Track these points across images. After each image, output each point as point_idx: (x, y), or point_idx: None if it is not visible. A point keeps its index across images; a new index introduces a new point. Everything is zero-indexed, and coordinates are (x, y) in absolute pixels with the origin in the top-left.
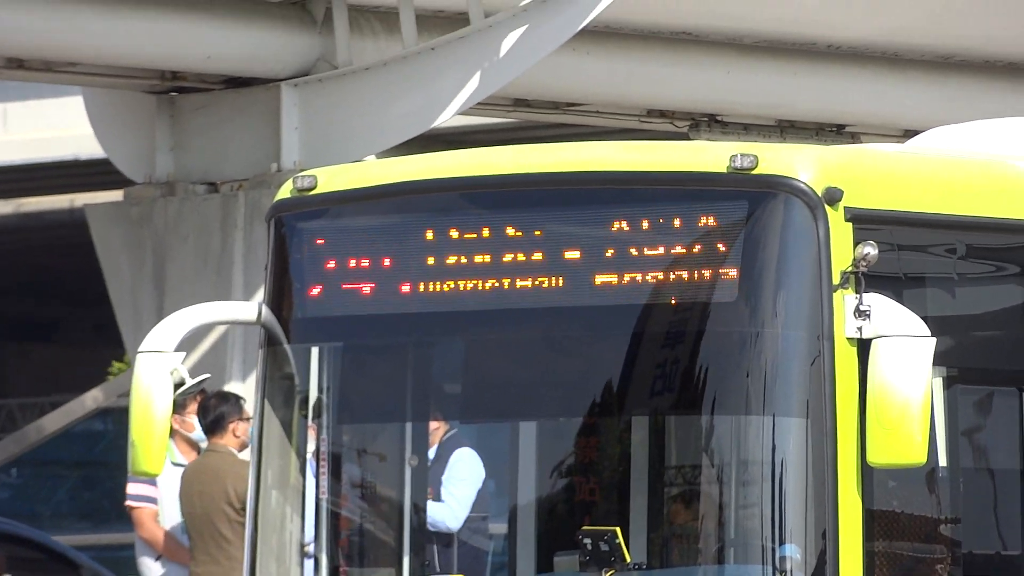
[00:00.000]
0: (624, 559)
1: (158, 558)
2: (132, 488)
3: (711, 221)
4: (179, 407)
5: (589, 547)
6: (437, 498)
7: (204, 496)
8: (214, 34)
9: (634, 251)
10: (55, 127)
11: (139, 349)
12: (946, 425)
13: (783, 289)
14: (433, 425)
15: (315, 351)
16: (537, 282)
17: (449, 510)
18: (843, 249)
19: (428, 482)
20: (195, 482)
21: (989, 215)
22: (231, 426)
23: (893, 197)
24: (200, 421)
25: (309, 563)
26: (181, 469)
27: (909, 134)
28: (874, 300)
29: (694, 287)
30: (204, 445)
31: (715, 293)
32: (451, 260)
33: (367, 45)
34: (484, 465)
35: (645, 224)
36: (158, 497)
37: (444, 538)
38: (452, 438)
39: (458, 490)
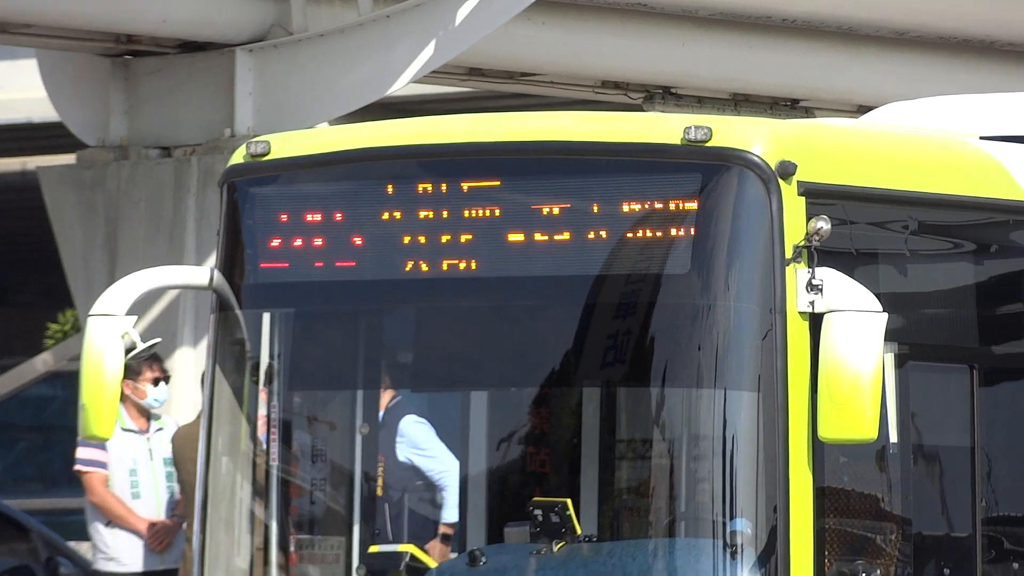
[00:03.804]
0: (575, 531)
1: (108, 523)
2: (82, 452)
3: (664, 193)
4: (133, 373)
5: (540, 518)
6: (397, 467)
7: (195, 463)
8: None
9: (587, 222)
10: (8, 90)
11: (90, 312)
12: (897, 402)
13: (735, 262)
14: (384, 393)
15: (266, 317)
16: (489, 251)
17: (447, 475)
18: (796, 223)
19: (377, 448)
20: (187, 448)
21: (942, 192)
22: None
23: (847, 172)
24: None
25: (259, 528)
26: (131, 435)
27: (863, 109)
28: (826, 275)
29: (646, 259)
30: (156, 411)
31: (667, 265)
32: (402, 228)
33: (322, 12)
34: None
35: (598, 195)
36: (108, 462)
37: (395, 507)
38: (398, 404)
39: (436, 461)
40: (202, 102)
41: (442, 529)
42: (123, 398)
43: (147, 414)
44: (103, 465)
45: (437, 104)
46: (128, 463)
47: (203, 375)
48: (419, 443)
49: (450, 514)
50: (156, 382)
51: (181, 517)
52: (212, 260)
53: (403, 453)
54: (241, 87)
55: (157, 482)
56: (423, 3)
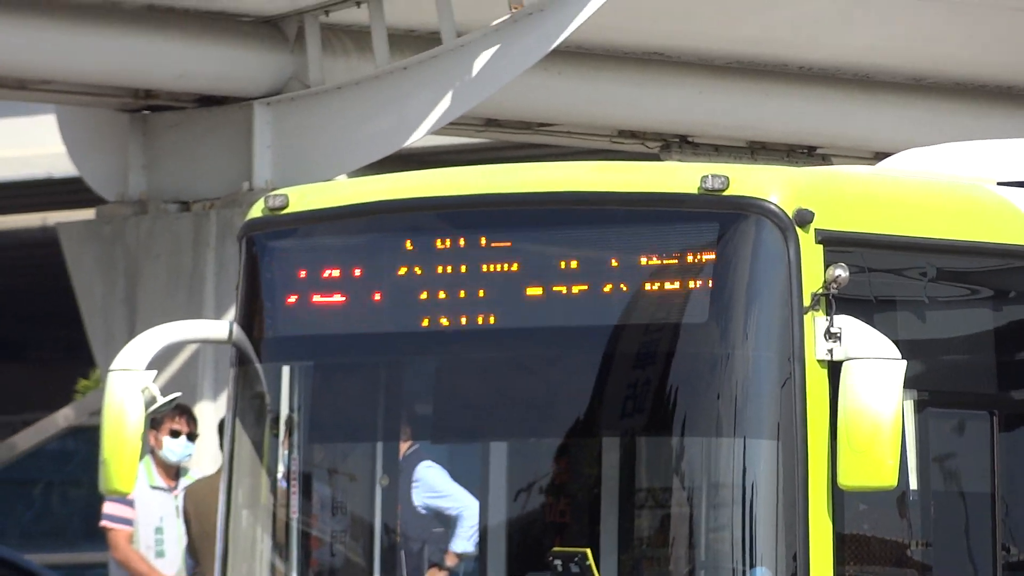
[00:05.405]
0: None
1: None
2: (108, 508)
3: (682, 242)
4: (155, 424)
5: (560, 569)
6: (415, 515)
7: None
8: (187, 52)
9: (605, 272)
10: (28, 145)
11: (110, 367)
12: (917, 449)
13: (754, 311)
14: (403, 444)
15: (286, 370)
16: (509, 303)
17: (463, 510)
18: (814, 271)
19: (397, 498)
20: (209, 500)
21: (959, 238)
22: None
23: (864, 219)
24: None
25: None
26: (158, 492)
27: (880, 156)
28: (845, 322)
29: (665, 308)
30: (185, 465)
31: (686, 314)
32: (420, 280)
33: (339, 64)
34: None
35: (615, 245)
36: (134, 519)
37: (415, 556)
38: (415, 453)
39: (451, 499)
40: (220, 156)
41: (447, 556)
42: (151, 454)
43: (176, 472)
44: (129, 522)
45: (454, 155)
46: (154, 520)
47: (219, 425)
48: (434, 486)
49: (459, 544)
50: (175, 434)
51: (191, 568)
52: (231, 314)
53: (419, 498)
54: (259, 140)
55: (182, 540)
56: (440, 55)
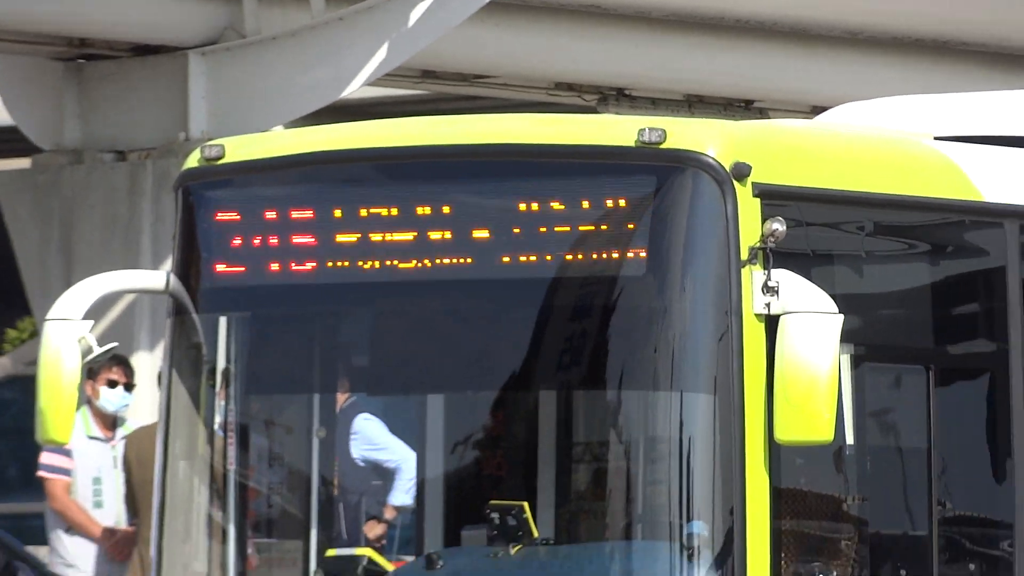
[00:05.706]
0: (531, 534)
1: (68, 530)
2: (45, 458)
3: (619, 195)
4: (92, 374)
5: (497, 522)
6: (353, 467)
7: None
8: (122, 1)
9: (541, 225)
10: None
11: (46, 317)
12: (853, 403)
13: (691, 264)
14: (340, 395)
15: (223, 321)
16: (445, 255)
17: (401, 463)
18: (751, 225)
19: (334, 450)
20: (148, 449)
21: (897, 192)
22: None
23: (802, 173)
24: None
25: (216, 532)
26: (96, 443)
27: (817, 110)
28: (782, 276)
29: (601, 262)
30: (122, 415)
31: (622, 268)
32: (358, 231)
33: (275, 14)
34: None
35: (553, 198)
36: (72, 468)
37: (352, 508)
38: (352, 405)
39: (389, 451)
40: (156, 106)
41: (385, 508)
42: (88, 404)
43: (113, 422)
44: (67, 472)
45: (391, 107)
46: (92, 471)
47: (159, 377)
48: (372, 439)
49: (397, 497)
50: (112, 384)
51: (130, 518)
52: (168, 264)
53: (357, 451)
54: (195, 90)
55: (121, 491)
56: (376, 5)
